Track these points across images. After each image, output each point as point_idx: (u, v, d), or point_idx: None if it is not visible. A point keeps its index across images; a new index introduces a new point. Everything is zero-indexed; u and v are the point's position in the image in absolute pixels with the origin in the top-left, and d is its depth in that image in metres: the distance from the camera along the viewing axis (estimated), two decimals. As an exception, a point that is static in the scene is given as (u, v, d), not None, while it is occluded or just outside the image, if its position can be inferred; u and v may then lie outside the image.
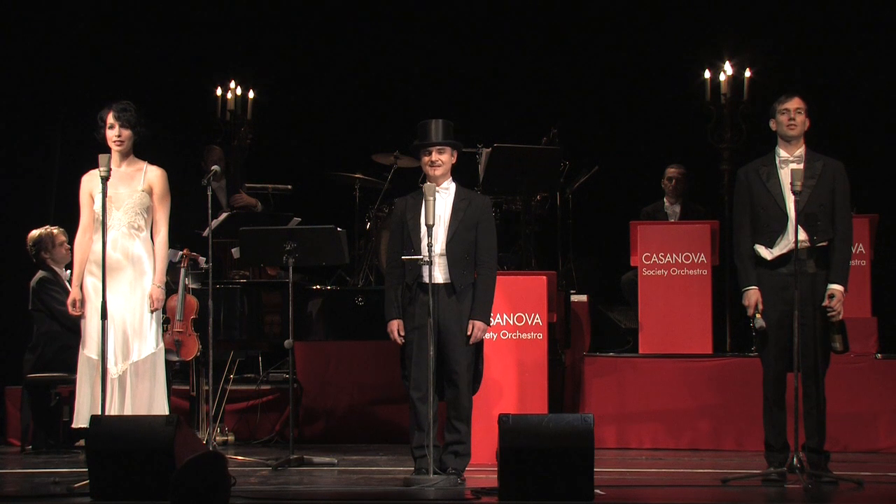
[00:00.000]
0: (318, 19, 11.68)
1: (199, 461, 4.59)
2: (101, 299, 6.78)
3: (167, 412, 6.95)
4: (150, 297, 7.08)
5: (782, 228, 6.93)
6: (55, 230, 8.86)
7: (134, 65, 10.48)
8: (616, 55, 11.39)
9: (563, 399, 9.08)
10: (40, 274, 8.86)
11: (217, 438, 8.53)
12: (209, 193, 7.52)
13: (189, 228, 8.92)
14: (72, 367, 7.26)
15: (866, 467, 7.61)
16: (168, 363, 7.41)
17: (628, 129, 11.32)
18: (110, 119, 7.13)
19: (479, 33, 11.60)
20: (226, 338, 8.50)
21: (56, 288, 8.72)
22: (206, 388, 8.13)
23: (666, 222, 10.01)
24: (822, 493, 6.58)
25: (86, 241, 7.17)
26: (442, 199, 6.95)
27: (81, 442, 7.99)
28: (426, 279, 6.80)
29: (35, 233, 8.93)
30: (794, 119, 7.00)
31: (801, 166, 6.92)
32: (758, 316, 6.93)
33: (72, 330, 7.34)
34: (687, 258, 9.22)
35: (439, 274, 6.88)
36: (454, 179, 7.09)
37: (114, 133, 7.11)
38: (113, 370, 6.94)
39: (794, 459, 6.69)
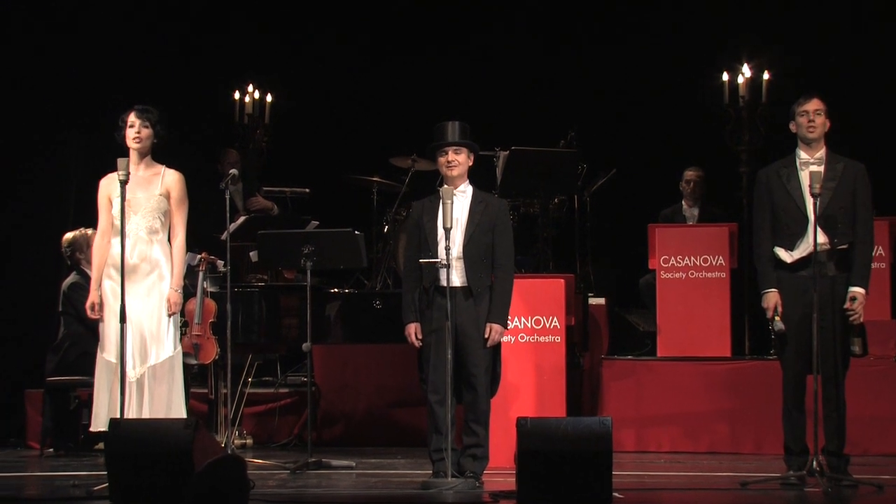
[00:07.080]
0: (336, 23, 11.68)
1: (218, 464, 4.60)
2: (119, 303, 6.79)
3: (185, 415, 6.95)
4: (169, 300, 7.09)
5: (802, 231, 6.89)
6: (90, 231, 8.80)
7: (152, 68, 10.49)
8: (634, 58, 11.36)
9: (582, 402, 9.07)
10: (72, 277, 8.87)
11: (235, 441, 8.53)
12: (227, 197, 7.53)
13: (207, 232, 8.93)
14: (92, 371, 7.26)
15: (886, 471, 7.57)
16: (186, 366, 7.42)
17: (646, 132, 11.29)
18: (131, 118, 7.13)
19: (496, 36, 11.58)
20: (244, 341, 8.51)
21: (87, 292, 8.71)
22: (225, 391, 8.15)
23: (684, 225, 9.99)
24: (841, 497, 6.54)
25: (104, 245, 7.18)
26: (459, 202, 6.92)
27: (100, 445, 8.01)
28: (443, 282, 6.79)
29: (70, 235, 8.95)
30: (813, 121, 6.96)
31: (821, 168, 6.88)
32: (777, 319, 6.90)
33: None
34: (705, 261, 9.20)
35: (456, 277, 6.86)
36: (471, 183, 7.08)
37: (133, 131, 7.11)
38: (131, 373, 6.95)
39: (814, 463, 6.67)
